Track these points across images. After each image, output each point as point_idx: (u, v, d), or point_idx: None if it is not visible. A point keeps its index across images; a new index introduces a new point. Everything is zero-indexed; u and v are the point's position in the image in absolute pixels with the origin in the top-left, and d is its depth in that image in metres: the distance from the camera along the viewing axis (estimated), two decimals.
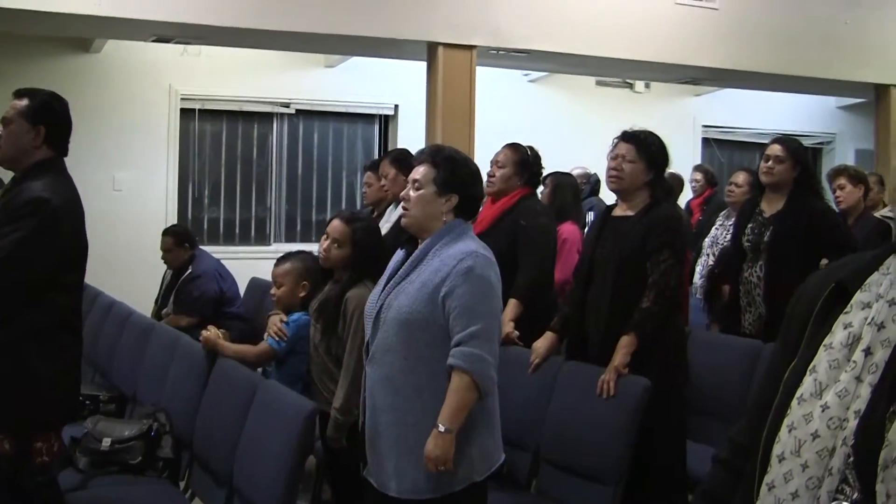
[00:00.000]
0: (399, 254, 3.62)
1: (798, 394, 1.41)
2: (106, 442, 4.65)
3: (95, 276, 7.90)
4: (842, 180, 6.54)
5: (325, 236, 4.49)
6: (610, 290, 4.46)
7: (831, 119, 12.46)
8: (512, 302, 5.12)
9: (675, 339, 4.56)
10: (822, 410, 1.37)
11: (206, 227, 9.99)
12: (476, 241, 3.51)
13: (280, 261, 4.84)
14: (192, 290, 7.38)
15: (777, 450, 1.39)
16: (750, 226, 5.46)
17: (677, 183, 8.82)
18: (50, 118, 3.83)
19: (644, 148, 4.54)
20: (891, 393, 1.32)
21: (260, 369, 4.74)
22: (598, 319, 4.51)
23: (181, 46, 8.49)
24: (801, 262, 4.90)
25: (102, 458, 4.63)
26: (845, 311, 1.44)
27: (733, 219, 6.82)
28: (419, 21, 7.18)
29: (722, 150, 12.09)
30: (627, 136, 4.60)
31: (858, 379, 1.36)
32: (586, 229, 7.67)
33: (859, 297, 1.44)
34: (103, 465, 4.62)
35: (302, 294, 4.70)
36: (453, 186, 3.49)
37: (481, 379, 3.30)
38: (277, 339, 4.58)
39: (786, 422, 1.40)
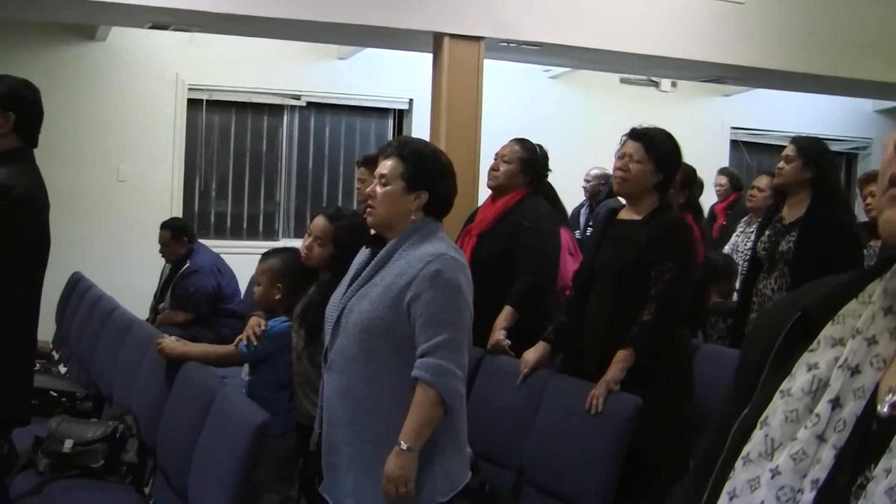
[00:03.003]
0: (363, 253, 3.39)
1: (744, 452, 1.08)
2: (68, 444, 4.42)
3: (95, 267, 7.86)
4: (873, 187, 6.17)
5: (307, 234, 4.28)
6: (610, 299, 4.14)
7: (867, 123, 12.08)
8: (506, 309, 4.86)
9: (678, 355, 4.22)
10: (772, 476, 1.04)
11: (212, 220, 9.79)
12: (446, 242, 3.28)
13: (263, 257, 4.57)
14: (188, 286, 7.21)
15: None
16: (767, 233, 5.15)
17: (697, 186, 8.55)
18: (19, 105, 3.62)
19: (653, 147, 4.19)
20: (859, 459, 1.00)
21: (246, 377, 4.43)
22: (596, 331, 4.18)
23: (188, 35, 8.26)
24: (815, 278, 4.51)
25: (63, 460, 4.40)
26: (810, 348, 1.11)
27: (754, 225, 6.52)
28: (424, 10, 6.91)
29: (751, 152, 11.77)
30: (636, 134, 4.26)
31: (821, 438, 1.04)
32: None
33: (829, 331, 1.11)
34: (64, 469, 4.39)
35: (277, 296, 4.40)
36: (423, 182, 3.26)
37: (447, 393, 3.10)
38: (248, 343, 4.28)
39: (727, 486, 1.08)
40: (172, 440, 4.13)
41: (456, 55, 6.94)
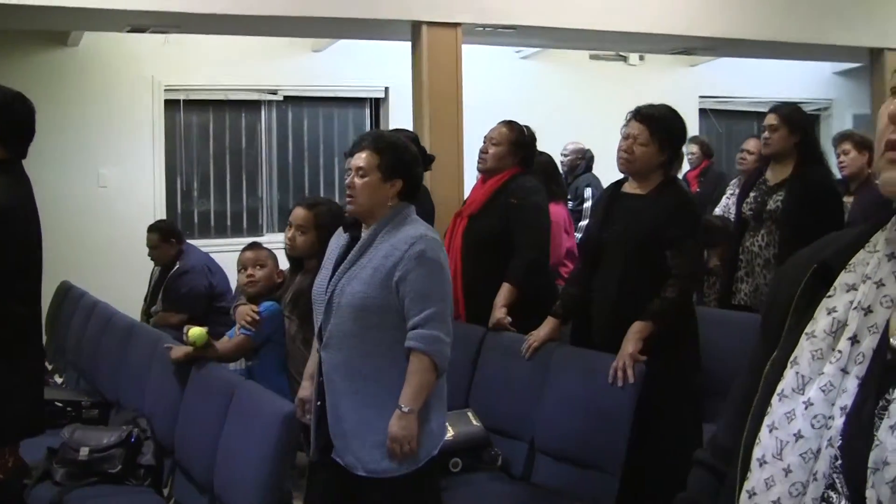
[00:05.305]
0: (342, 238, 3.67)
1: (779, 389, 1.25)
2: (84, 451, 4.48)
3: (82, 275, 7.85)
4: (847, 146, 6.43)
5: (289, 226, 4.56)
6: (619, 272, 4.25)
7: (828, 85, 12.26)
8: (505, 286, 4.98)
9: (686, 324, 4.31)
10: (806, 408, 1.20)
11: (196, 220, 9.78)
12: (423, 224, 3.61)
13: (254, 246, 4.83)
14: (180, 287, 7.22)
15: (757, 452, 1.23)
16: (753, 194, 5.35)
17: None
18: (5, 117, 3.64)
19: (658, 129, 4.27)
20: (880, 385, 1.16)
21: (242, 365, 4.56)
22: (605, 302, 4.31)
23: (162, 36, 8.27)
24: (805, 233, 4.67)
25: (81, 468, 4.46)
26: (828, 294, 1.28)
27: None
28: (401, 0, 6.96)
29: (719, 120, 11.89)
30: (640, 116, 4.32)
31: (844, 371, 1.20)
32: (586, 205, 7.53)
33: (844, 278, 1.27)
34: (82, 476, 4.44)
35: (279, 280, 4.66)
36: (398, 171, 3.56)
37: (439, 359, 3.45)
38: (251, 328, 4.40)
39: (766, 421, 1.24)
40: (193, 438, 4.21)
41: (435, 42, 6.98)
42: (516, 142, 5.28)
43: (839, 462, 1.15)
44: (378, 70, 9.70)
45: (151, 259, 7.49)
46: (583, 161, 8.35)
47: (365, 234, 3.54)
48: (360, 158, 3.53)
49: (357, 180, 3.51)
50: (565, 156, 8.35)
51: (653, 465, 4.04)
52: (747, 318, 5.07)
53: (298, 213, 4.54)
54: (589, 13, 7.47)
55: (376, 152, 3.53)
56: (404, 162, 3.58)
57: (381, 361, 3.45)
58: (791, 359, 1.25)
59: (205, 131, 9.77)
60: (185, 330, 4.60)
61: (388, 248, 3.45)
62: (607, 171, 4.52)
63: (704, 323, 4.49)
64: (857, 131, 7.15)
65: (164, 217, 8.76)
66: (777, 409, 1.23)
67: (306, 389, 3.72)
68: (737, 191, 6.87)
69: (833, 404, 1.18)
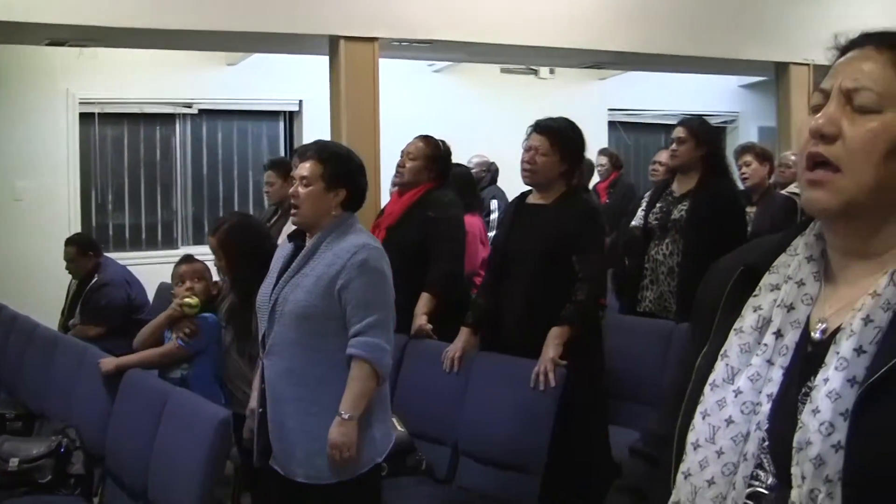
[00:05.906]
0: (287, 247, 3.71)
1: (710, 380, 1.39)
2: (13, 462, 4.50)
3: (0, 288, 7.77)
4: (748, 157, 6.64)
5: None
6: (527, 280, 4.40)
7: (734, 98, 12.61)
8: (424, 296, 5.10)
9: (592, 327, 4.48)
10: (735, 395, 1.35)
11: (111, 233, 9.76)
12: (366, 234, 3.68)
13: (189, 259, 4.79)
14: (98, 299, 7.20)
15: (692, 437, 1.38)
16: (659, 205, 5.49)
17: (586, 168, 8.88)
18: None
19: (558, 140, 4.45)
20: (802, 374, 1.31)
21: (180, 373, 4.60)
22: (514, 310, 4.45)
23: (77, 49, 8.24)
24: (708, 242, 4.89)
25: (10, 478, 4.48)
26: (754, 293, 1.42)
27: None
28: (319, 15, 7.03)
29: (628, 132, 12.17)
30: (541, 128, 4.49)
31: (770, 362, 1.35)
32: (492, 217, 7.71)
33: (768, 279, 1.42)
34: (12, 487, 4.46)
35: (214, 292, 4.69)
36: (342, 181, 3.60)
37: (380, 366, 3.49)
38: (187, 339, 4.48)
39: (699, 409, 1.39)
40: (125, 446, 4.26)
41: (352, 57, 7.09)
42: (433, 156, 5.43)
43: (767, 443, 1.30)
44: (292, 84, 9.82)
45: (69, 272, 7.46)
46: (487, 174, 8.50)
47: (308, 242, 3.59)
48: (304, 168, 3.59)
49: (301, 189, 3.57)
50: (470, 169, 8.51)
51: (562, 465, 4.21)
52: (652, 324, 5.29)
53: (209, 241, 4.65)
54: (501, 28, 7.61)
55: (320, 162, 3.57)
56: (348, 171, 3.63)
57: (324, 369, 3.48)
58: (721, 352, 1.40)
59: (119, 144, 9.76)
60: (180, 297, 4.57)
61: (331, 257, 3.49)
62: (520, 184, 4.68)
63: (610, 329, 4.67)
64: (759, 144, 7.39)
65: (79, 230, 8.75)
66: (709, 397, 1.37)
67: (255, 400, 3.78)
68: None
69: (760, 392, 1.33)
